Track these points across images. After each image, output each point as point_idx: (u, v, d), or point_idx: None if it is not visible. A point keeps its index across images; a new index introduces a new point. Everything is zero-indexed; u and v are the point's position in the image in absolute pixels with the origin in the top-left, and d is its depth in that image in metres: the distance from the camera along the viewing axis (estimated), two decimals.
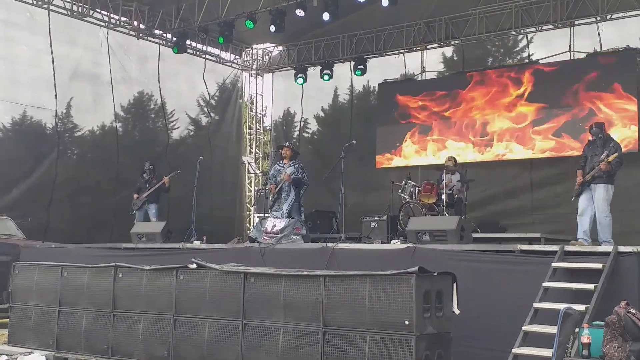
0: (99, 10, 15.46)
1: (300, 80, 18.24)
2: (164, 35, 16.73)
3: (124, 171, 15.94)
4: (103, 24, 15.69)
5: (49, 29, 14.63)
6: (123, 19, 15.85)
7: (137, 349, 8.67)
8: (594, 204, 9.03)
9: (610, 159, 8.88)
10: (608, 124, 13.82)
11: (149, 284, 8.76)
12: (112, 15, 15.73)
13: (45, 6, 14.55)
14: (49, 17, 14.65)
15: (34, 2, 14.45)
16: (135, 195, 13.68)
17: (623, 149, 13.47)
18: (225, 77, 19.02)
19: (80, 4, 15.03)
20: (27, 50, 14.71)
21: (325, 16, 14.06)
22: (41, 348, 9.59)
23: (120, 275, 9.10)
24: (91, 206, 15.40)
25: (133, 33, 16.23)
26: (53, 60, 14.73)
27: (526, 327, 7.07)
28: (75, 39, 15.44)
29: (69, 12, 14.96)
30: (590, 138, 9.51)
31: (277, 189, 10.85)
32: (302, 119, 19.29)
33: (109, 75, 16.04)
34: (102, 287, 9.20)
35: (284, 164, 11.06)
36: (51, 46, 14.69)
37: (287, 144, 11.67)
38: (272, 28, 14.66)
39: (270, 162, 18.37)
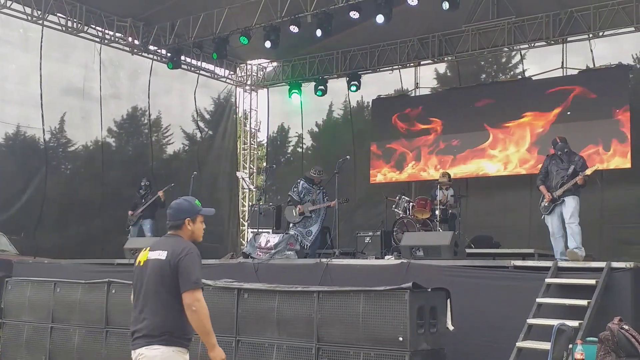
0: (93, 26, 15.49)
1: (294, 96, 18.29)
2: (159, 50, 16.77)
3: (117, 186, 15.93)
4: (97, 39, 15.71)
5: (41, 45, 14.64)
6: (117, 34, 15.89)
7: None
8: (562, 219, 9.00)
9: (589, 172, 8.85)
10: (601, 141, 13.96)
11: None
12: (106, 31, 15.76)
13: (40, 22, 14.57)
14: (42, 34, 14.67)
15: (29, 18, 14.48)
16: (130, 212, 13.64)
17: (614, 167, 13.73)
18: (220, 92, 19.07)
19: (75, 20, 15.05)
20: (15, 68, 14.78)
21: (318, 32, 14.11)
22: None
23: (114, 291, 9.08)
24: (84, 222, 15.37)
25: (127, 49, 16.26)
26: (41, 79, 14.72)
27: (520, 343, 7.06)
28: (68, 55, 15.50)
29: (64, 28, 14.99)
30: (553, 153, 9.47)
31: (310, 210, 11.38)
32: (297, 134, 19.33)
33: (101, 91, 16.05)
34: (95, 303, 9.19)
35: (313, 185, 11.54)
36: (40, 63, 14.72)
37: (322, 172, 11.90)
38: (268, 44, 14.70)
39: (265, 178, 18.40)
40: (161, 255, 4.45)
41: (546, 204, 9.12)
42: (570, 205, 8.90)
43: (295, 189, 11.57)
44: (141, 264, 4.58)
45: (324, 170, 12.04)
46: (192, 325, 4.41)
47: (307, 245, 11.38)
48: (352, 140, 17.91)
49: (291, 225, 11.50)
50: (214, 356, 4.54)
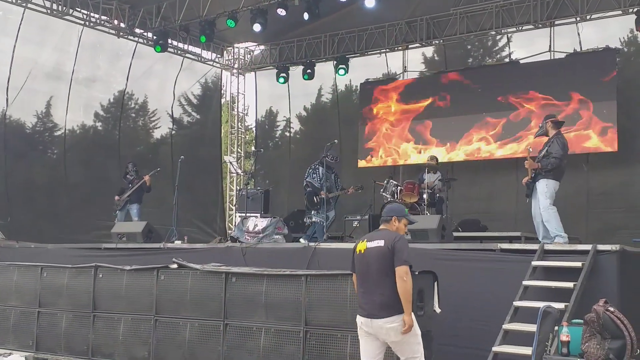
0: (78, 9, 15.31)
1: (281, 80, 18.22)
2: (145, 34, 16.62)
3: (104, 171, 15.84)
4: (81, 22, 15.53)
5: (19, 28, 14.44)
6: (103, 17, 15.72)
7: (117, 350, 8.64)
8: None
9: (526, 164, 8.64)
10: (586, 124, 14.00)
11: (130, 284, 8.73)
12: (91, 14, 15.59)
13: (24, 4, 14.38)
14: (22, 16, 14.46)
15: (12, 0, 14.27)
16: (117, 197, 13.56)
17: (602, 150, 13.77)
18: (208, 76, 18.94)
19: (60, 3, 14.88)
20: None
21: (305, 16, 14.04)
22: (21, 349, 9.54)
23: (101, 275, 9.07)
24: (71, 206, 15.27)
25: (113, 32, 16.11)
26: (12, 62, 14.46)
27: (506, 326, 7.11)
28: (51, 38, 15.27)
29: (49, 11, 14.82)
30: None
31: (331, 195, 11.46)
32: (285, 118, 19.28)
33: (85, 74, 15.92)
34: (82, 288, 9.17)
35: (330, 169, 11.59)
36: (15, 46, 14.46)
37: (338, 158, 12.08)
38: (257, 27, 14.59)
39: (253, 162, 18.36)
40: (379, 243, 5.71)
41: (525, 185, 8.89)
42: (539, 189, 8.60)
43: (314, 176, 11.49)
44: (362, 252, 5.81)
45: (338, 155, 12.25)
46: (400, 291, 5.54)
47: (324, 231, 11.41)
48: (339, 124, 17.88)
49: (314, 212, 11.46)
50: (408, 320, 5.60)
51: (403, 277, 5.55)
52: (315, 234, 11.31)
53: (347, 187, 11.89)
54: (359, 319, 5.80)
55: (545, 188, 8.54)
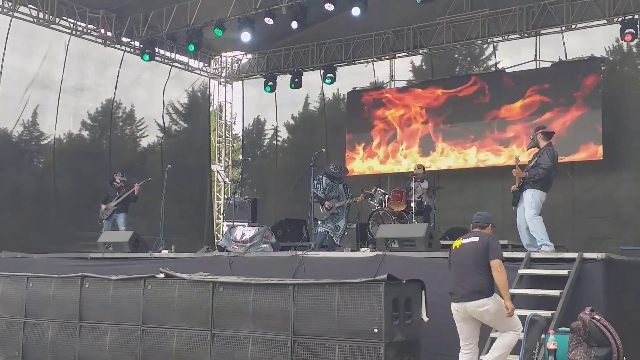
0: (65, 18, 15.27)
1: (268, 89, 18.23)
2: (132, 42, 16.60)
3: (92, 180, 15.77)
4: (68, 31, 15.50)
5: (7, 37, 14.39)
6: (90, 26, 15.69)
7: None
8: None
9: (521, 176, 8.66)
10: (573, 132, 14.09)
11: (116, 294, 8.68)
12: (78, 23, 15.55)
13: (10, 13, 14.33)
14: (10, 25, 14.42)
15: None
16: (103, 205, 13.44)
17: (588, 158, 13.85)
18: (195, 85, 18.93)
19: (47, 12, 14.83)
20: None
21: (294, 24, 14.07)
22: None
23: (87, 285, 9.02)
24: (57, 215, 15.19)
25: (100, 40, 16.07)
26: (1, 71, 14.40)
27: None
28: (39, 47, 15.22)
29: (35, 19, 14.77)
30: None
31: (339, 206, 11.41)
32: (273, 127, 19.29)
33: (73, 83, 15.86)
34: (68, 298, 9.11)
35: (334, 180, 11.53)
36: (3, 55, 14.41)
37: (342, 168, 12.03)
38: (245, 36, 14.62)
39: (241, 171, 18.32)
40: (474, 239, 6.66)
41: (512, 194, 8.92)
42: (525, 199, 8.63)
43: (318, 186, 11.36)
44: (457, 247, 6.79)
45: (343, 166, 12.25)
46: (497, 281, 6.42)
47: (338, 241, 11.42)
48: (326, 133, 17.90)
49: (320, 223, 11.38)
50: (509, 305, 6.45)
51: (498, 269, 6.42)
52: (324, 244, 11.29)
53: (357, 196, 11.86)
54: (453, 305, 6.66)
55: (530, 198, 8.57)
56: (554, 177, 8.81)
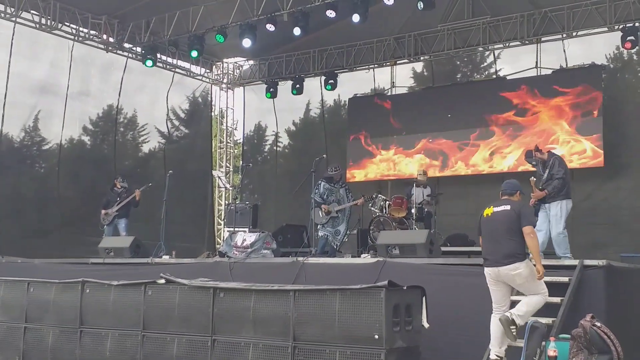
0: (67, 24, 15.31)
1: (269, 95, 18.26)
2: (134, 48, 16.64)
3: (92, 185, 15.78)
4: (71, 37, 15.54)
5: (12, 43, 14.43)
6: (92, 32, 15.73)
7: None
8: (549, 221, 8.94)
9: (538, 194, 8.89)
10: (573, 139, 14.12)
11: (117, 299, 8.67)
12: (80, 29, 15.59)
13: (13, 19, 14.38)
14: (14, 31, 14.46)
15: (1, 15, 14.26)
16: (103, 211, 13.39)
17: (588, 165, 13.87)
18: (196, 91, 18.95)
19: (49, 17, 14.88)
20: None
21: (296, 31, 14.09)
22: None
23: (88, 290, 9.01)
24: (58, 220, 15.20)
25: (102, 46, 16.11)
26: (8, 77, 14.45)
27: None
28: (42, 52, 15.27)
29: (37, 25, 14.81)
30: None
31: (337, 210, 11.44)
32: (274, 133, 19.31)
33: (75, 89, 15.88)
34: (69, 303, 9.10)
35: (334, 184, 11.57)
36: (9, 61, 14.45)
37: (339, 167, 12.02)
38: (246, 42, 14.63)
39: (242, 176, 18.33)
40: (506, 207, 6.98)
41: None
42: (552, 212, 8.86)
43: (316, 192, 11.46)
44: (489, 215, 7.10)
45: (339, 165, 12.21)
46: (529, 245, 6.79)
47: (337, 245, 11.45)
48: (325, 139, 17.91)
49: (319, 227, 11.44)
50: (540, 269, 6.75)
51: (530, 235, 6.79)
52: (325, 248, 11.32)
53: (357, 199, 11.88)
54: (487, 270, 7.02)
55: (559, 212, 8.79)
56: (570, 181, 9.09)
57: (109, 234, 13.21)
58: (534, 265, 6.76)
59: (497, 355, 6.87)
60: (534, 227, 6.96)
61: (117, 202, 13.34)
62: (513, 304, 7.01)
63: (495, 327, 6.91)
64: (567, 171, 9.01)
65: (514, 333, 6.66)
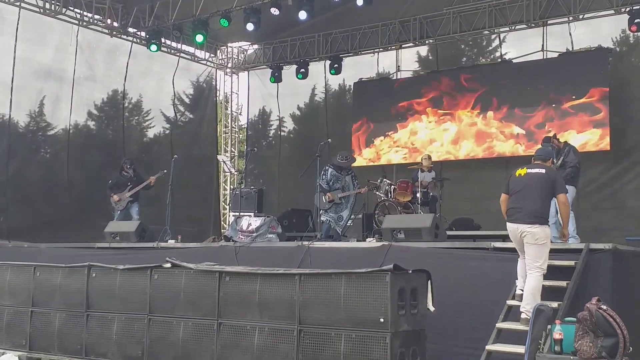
0: (71, 8, 15.26)
1: (274, 79, 18.21)
2: (138, 33, 16.59)
3: (98, 170, 15.79)
4: (75, 21, 15.50)
5: (17, 27, 14.38)
6: (96, 16, 15.68)
7: (111, 349, 8.62)
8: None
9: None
10: (579, 123, 14.07)
11: (123, 283, 8.71)
12: (85, 13, 15.55)
13: (17, 3, 14.34)
14: (19, 16, 14.42)
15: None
16: (115, 196, 13.17)
17: (594, 149, 13.83)
18: (199, 75, 18.90)
19: (53, 2, 14.83)
20: None
21: (302, 15, 14.00)
22: (14, 348, 9.51)
23: (94, 274, 9.04)
24: (64, 205, 15.21)
25: (106, 31, 16.07)
26: (14, 62, 14.40)
27: (499, 324, 7.13)
28: (46, 37, 15.23)
29: (41, 10, 14.77)
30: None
31: (340, 197, 11.41)
32: (278, 118, 19.27)
33: (80, 73, 15.83)
34: (75, 287, 9.14)
35: (341, 171, 11.52)
36: (15, 46, 14.40)
37: (349, 157, 11.99)
38: (250, 26, 14.58)
39: (246, 161, 18.33)
40: (541, 170, 7.32)
41: None
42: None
43: (324, 177, 11.44)
44: (522, 175, 7.40)
45: (350, 155, 12.17)
46: (561, 211, 7.39)
47: (340, 231, 11.43)
48: (334, 123, 17.86)
49: (322, 212, 11.46)
50: (566, 232, 7.55)
51: (565, 203, 7.25)
52: (330, 233, 11.34)
53: (362, 187, 11.87)
54: (509, 225, 7.33)
55: (571, 194, 8.90)
56: (579, 170, 9.43)
57: (120, 218, 13.10)
58: (553, 230, 7.59)
59: (521, 290, 7.18)
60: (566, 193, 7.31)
61: (129, 186, 13.16)
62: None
63: (520, 266, 7.30)
64: (580, 160, 9.31)
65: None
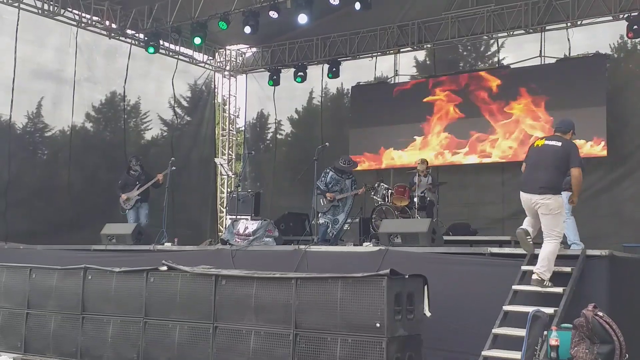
0: (70, 9, 15.25)
1: (272, 82, 18.21)
2: (136, 35, 16.58)
3: (95, 172, 15.77)
4: (74, 23, 15.49)
5: (17, 28, 14.37)
6: (95, 18, 15.67)
7: (106, 352, 8.61)
8: None
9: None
10: (577, 129, 14.02)
11: (119, 286, 8.69)
12: (83, 15, 15.54)
13: (16, 4, 14.33)
14: (18, 17, 14.41)
15: (5, 0, 14.20)
16: (123, 195, 13.01)
17: (591, 155, 13.83)
18: (197, 78, 18.89)
19: (52, 3, 14.83)
20: None
21: (302, 19, 13.98)
22: (9, 351, 9.49)
23: (90, 277, 9.03)
24: (61, 207, 15.17)
25: (105, 33, 16.06)
26: (15, 63, 14.40)
27: (496, 330, 7.13)
28: (45, 38, 15.21)
29: (40, 11, 14.77)
30: None
31: (338, 199, 11.43)
32: (276, 121, 19.27)
33: (79, 75, 15.80)
34: (71, 289, 9.13)
35: (342, 175, 11.55)
36: (15, 47, 14.37)
37: (351, 162, 11.98)
38: (247, 29, 14.59)
39: (243, 164, 18.31)
40: (557, 143, 7.47)
41: None
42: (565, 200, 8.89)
43: (323, 179, 11.46)
44: (539, 146, 7.64)
45: (352, 160, 12.12)
46: (574, 182, 7.46)
47: (333, 234, 11.43)
48: (331, 127, 17.85)
49: (320, 214, 11.43)
50: (576, 200, 7.73)
51: (578, 177, 7.40)
52: (326, 236, 11.35)
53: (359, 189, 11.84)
54: (522, 195, 7.55)
55: (566, 200, 8.71)
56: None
57: (132, 218, 12.93)
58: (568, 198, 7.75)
59: (539, 276, 7.24)
60: (583, 169, 7.50)
61: (137, 185, 13.00)
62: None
63: (547, 246, 7.40)
64: (584, 165, 9.12)
65: (550, 285, 7.19)
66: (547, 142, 7.59)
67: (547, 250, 7.24)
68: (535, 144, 7.76)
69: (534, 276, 7.21)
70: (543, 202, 7.30)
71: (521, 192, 7.56)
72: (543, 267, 7.16)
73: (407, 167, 14.79)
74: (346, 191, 11.54)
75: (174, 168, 12.95)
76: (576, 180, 7.39)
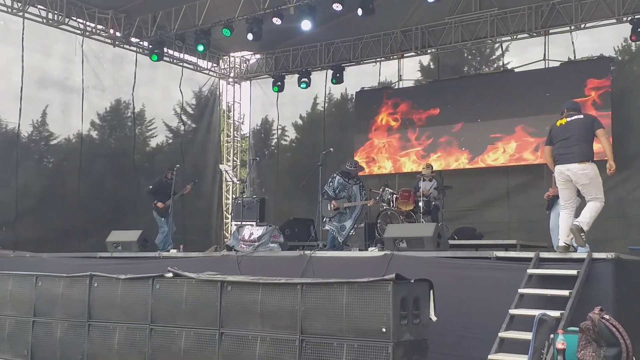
0: (74, 18, 15.34)
1: (276, 88, 18.25)
2: (141, 43, 16.65)
3: (100, 180, 15.80)
4: (79, 32, 15.56)
5: (22, 37, 14.44)
6: (99, 26, 15.75)
7: (112, 359, 8.59)
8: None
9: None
10: None
11: (125, 293, 8.69)
12: (87, 23, 15.62)
13: (20, 14, 14.41)
14: (23, 26, 14.49)
15: (9, 10, 14.31)
16: (160, 204, 13.19)
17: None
18: (203, 85, 18.95)
19: (56, 12, 14.90)
20: None
21: (306, 25, 14.02)
22: (16, 358, 9.50)
23: (96, 284, 9.03)
24: (66, 215, 15.21)
25: (109, 41, 16.13)
26: (23, 71, 14.47)
27: (502, 334, 7.10)
28: (50, 47, 15.29)
29: (45, 20, 14.84)
30: None
31: (345, 206, 11.31)
32: (280, 127, 19.29)
33: (86, 83, 15.88)
34: (77, 297, 9.12)
35: (349, 180, 11.39)
36: (22, 56, 14.46)
37: (357, 165, 11.85)
38: (250, 36, 14.65)
39: (248, 170, 18.34)
40: (579, 117, 8.09)
41: (545, 199, 9.23)
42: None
43: (330, 185, 11.37)
44: (563, 124, 8.09)
45: (358, 163, 12.03)
46: (603, 144, 8.00)
47: (341, 241, 11.36)
48: (336, 133, 17.87)
49: (326, 220, 11.39)
50: (613, 164, 8.03)
51: (605, 136, 8.00)
52: (334, 242, 11.32)
53: (369, 199, 11.73)
54: (558, 167, 8.01)
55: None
56: None
57: (166, 225, 13.09)
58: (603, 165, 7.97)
59: (565, 243, 7.80)
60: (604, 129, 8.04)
61: (172, 193, 13.10)
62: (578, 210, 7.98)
63: (563, 221, 7.98)
64: None
65: (584, 239, 7.62)
66: (569, 119, 8.04)
67: (592, 206, 7.77)
68: (557, 124, 8.13)
69: (575, 223, 7.66)
70: (583, 172, 7.76)
71: (557, 166, 7.97)
72: (585, 219, 7.66)
73: (413, 172, 14.80)
74: (354, 197, 11.43)
75: (196, 180, 13.07)
76: (606, 140, 7.95)
